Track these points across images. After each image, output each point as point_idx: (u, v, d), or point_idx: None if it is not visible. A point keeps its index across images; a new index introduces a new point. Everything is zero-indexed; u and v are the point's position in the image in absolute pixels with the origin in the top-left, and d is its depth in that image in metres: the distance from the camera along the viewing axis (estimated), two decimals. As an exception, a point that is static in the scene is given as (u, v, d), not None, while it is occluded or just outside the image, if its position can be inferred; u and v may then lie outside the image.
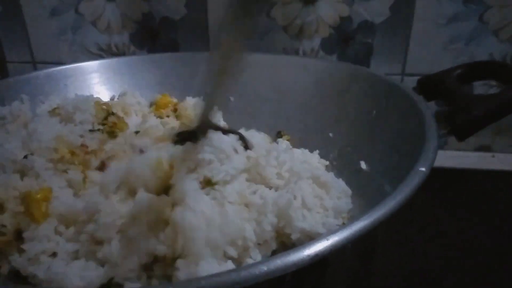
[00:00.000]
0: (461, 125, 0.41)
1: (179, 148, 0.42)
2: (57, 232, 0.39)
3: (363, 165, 0.47)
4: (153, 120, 0.57)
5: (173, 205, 0.35)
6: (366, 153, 0.49)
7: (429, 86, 0.49)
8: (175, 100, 0.64)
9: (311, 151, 0.51)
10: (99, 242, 0.36)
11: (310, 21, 0.73)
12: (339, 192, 0.42)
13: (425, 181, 0.33)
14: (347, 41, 0.73)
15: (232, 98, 0.64)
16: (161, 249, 0.34)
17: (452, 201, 0.61)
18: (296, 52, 0.76)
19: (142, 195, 0.36)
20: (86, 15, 0.79)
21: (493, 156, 0.76)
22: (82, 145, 0.46)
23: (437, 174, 0.34)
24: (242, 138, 0.45)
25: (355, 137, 0.52)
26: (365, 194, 0.43)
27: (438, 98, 0.49)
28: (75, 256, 0.37)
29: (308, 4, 0.72)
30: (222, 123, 0.60)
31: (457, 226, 0.55)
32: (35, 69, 0.84)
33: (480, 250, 0.51)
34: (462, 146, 0.77)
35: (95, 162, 0.45)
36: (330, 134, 0.55)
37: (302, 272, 0.46)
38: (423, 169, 0.34)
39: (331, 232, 0.27)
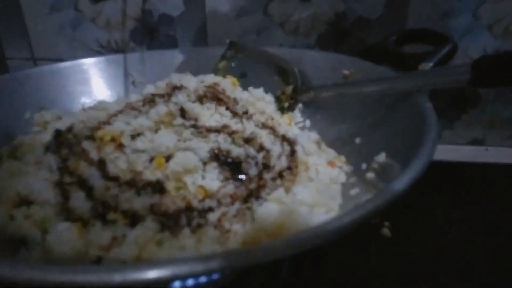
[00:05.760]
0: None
1: None
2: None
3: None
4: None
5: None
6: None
7: (373, 53, 0.60)
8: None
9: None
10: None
11: (306, 18, 0.74)
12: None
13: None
14: (342, 37, 0.74)
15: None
16: None
17: (446, 194, 0.61)
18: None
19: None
20: (85, 12, 0.79)
21: (487, 150, 0.77)
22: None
23: (430, 167, 0.34)
24: None
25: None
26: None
27: (382, 62, 0.55)
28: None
29: (304, 0, 0.73)
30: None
31: (450, 219, 0.55)
32: (35, 65, 0.84)
33: (474, 243, 0.51)
34: (456, 140, 0.78)
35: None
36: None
37: (298, 258, 0.48)
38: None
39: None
